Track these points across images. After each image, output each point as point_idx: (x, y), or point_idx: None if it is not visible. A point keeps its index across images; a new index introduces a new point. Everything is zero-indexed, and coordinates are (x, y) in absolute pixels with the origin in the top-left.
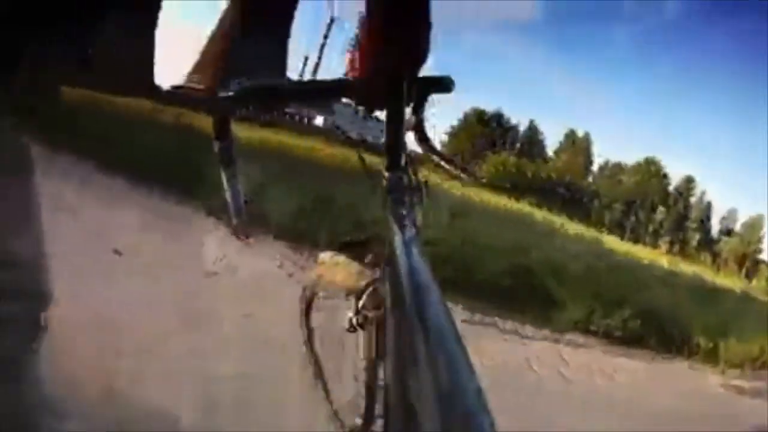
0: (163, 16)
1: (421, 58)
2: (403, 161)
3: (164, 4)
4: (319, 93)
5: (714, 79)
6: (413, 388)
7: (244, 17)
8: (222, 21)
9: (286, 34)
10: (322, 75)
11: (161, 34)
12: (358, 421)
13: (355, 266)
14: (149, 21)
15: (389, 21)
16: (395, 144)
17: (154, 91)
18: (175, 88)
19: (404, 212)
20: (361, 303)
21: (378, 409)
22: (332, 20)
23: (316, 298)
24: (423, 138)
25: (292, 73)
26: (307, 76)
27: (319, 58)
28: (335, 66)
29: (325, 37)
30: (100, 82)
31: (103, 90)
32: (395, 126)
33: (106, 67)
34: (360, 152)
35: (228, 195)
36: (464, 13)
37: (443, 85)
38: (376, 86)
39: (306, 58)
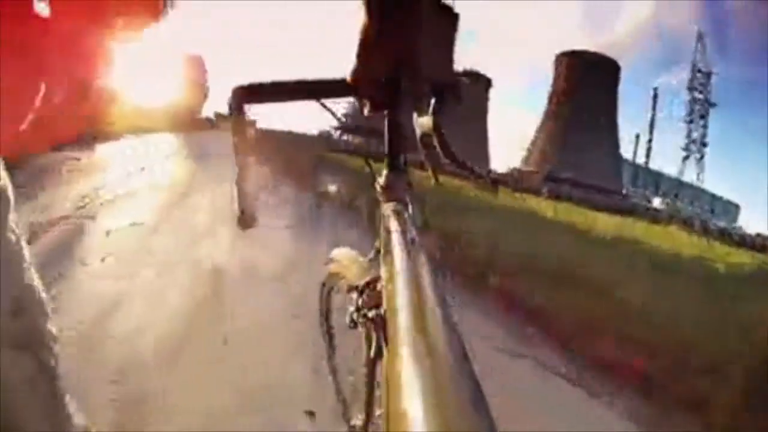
0: (492, 104)
1: (420, 58)
2: (403, 161)
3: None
4: (320, 92)
5: None
6: (412, 388)
7: (570, 110)
8: (548, 112)
9: (613, 115)
10: (657, 154)
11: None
12: (359, 419)
13: (362, 263)
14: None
15: (386, 21)
16: (395, 144)
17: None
18: (512, 169)
19: (404, 212)
20: (360, 300)
21: (378, 407)
22: (656, 93)
23: (333, 293)
24: (442, 142)
25: (626, 153)
26: (640, 155)
27: (651, 133)
28: (668, 140)
29: (653, 111)
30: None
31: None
32: (395, 126)
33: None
34: (367, 159)
35: (237, 185)
36: None
37: (456, 87)
38: (375, 86)
39: (637, 136)
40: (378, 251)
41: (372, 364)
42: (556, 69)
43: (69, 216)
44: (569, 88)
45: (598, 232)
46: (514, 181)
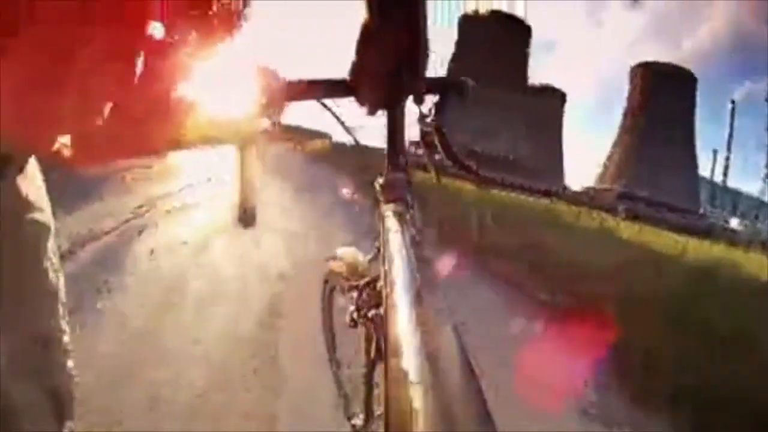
0: (568, 125)
1: (419, 58)
2: (402, 161)
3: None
4: (321, 92)
5: None
6: (411, 388)
7: (645, 123)
8: (623, 127)
9: (690, 128)
10: (735, 172)
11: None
12: (359, 419)
13: (363, 262)
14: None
15: (384, 20)
16: (394, 144)
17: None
18: (587, 188)
19: (404, 212)
20: (361, 300)
21: (377, 408)
22: (734, 106)
23: (335, 292)
24: (443, 142)
25: (702, 170)
26: (718, 174)
27: (729, 149)
28: (748, 157)
29: (731, 126)
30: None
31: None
32: (394, 126)
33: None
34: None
35: (240, 194)
36: None
37: (459, 87)
38: (374, 86)
39: (715, 152)
40: (378, 251)
41: (371, 363)
42: (631, 81)
43: (118, 227)
44: (644, 100)
45: (676, 255)
46: (589, 199)
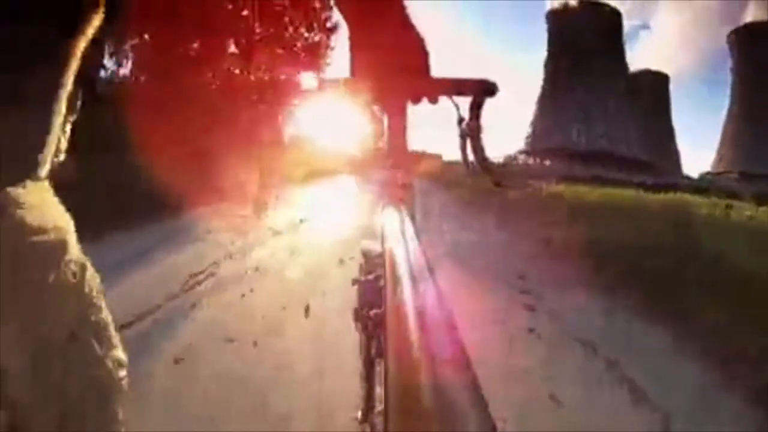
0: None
1: (417, 58)
2: (403, 161)
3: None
4: (335, 90)
5: None
6: (411, 387)
7: (755, 90)
8: (731, 106)
9: None
10: None
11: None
12: (359, 415)
13: (372, 258)
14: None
15: (372, 21)
16: (395, 144)
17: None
18: (703, 174)
19: (404, 211)
20: (363, 297)
21: (378, 405)
22: None
23: None
24: (475, 145)
25: None
26: None
27: None
28: None
29: None
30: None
31: None
32: (395, 125)
33: None
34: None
35: (257, 187)
36: None
37: (487, 88)
38: (376, 86)
39: None
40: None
41: (371, 361)
42: (731, 51)
43: (162, 305)
44: (748, 66)
45: None
46: (708, 184)
